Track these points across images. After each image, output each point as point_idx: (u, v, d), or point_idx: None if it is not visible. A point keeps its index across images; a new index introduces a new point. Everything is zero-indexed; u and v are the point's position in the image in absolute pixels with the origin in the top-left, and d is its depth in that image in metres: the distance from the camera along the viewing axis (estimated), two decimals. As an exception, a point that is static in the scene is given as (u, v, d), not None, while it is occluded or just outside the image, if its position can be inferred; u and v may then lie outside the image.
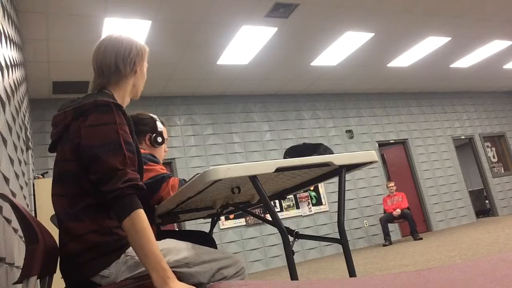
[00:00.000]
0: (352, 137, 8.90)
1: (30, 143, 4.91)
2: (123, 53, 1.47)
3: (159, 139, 2.14)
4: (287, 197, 2.36)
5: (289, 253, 1.44)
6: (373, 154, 1.69)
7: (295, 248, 7.45)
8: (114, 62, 1.46)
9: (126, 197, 1.20)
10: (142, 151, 1.70)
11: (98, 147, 1.25)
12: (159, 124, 2.18)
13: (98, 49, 1.49)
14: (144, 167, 1.80)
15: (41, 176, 4.95)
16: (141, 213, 1.21)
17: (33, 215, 3.89)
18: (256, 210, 6.28)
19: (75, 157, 1.31)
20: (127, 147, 1.28)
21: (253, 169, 1.43)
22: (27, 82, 5.73)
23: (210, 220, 6.22)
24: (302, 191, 7.84)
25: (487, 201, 10.88)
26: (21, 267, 1.25)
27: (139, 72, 1.54)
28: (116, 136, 1.27)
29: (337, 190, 1.65)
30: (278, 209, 7.69)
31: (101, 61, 1.47)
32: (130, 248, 1.30)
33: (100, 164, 1.24)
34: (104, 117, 1.29)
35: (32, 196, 4.56)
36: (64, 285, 1.33)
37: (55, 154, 1.42)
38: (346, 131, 8.91)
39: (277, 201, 7.31)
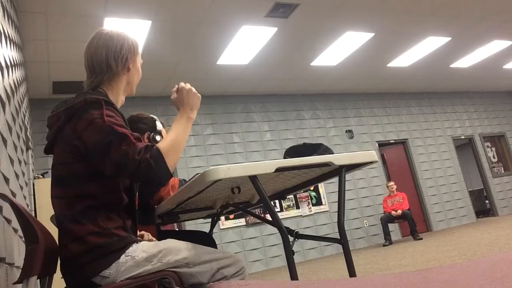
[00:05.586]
0: (352, 137, 8.90)
1: (30, 143, 4.91)
2: (114, 50, 1.43)
3: (158, 138, 2.15)
4: (287, 197, 2.36)
5: (289, 253, 1.44)
6: (373, 154, 1.69)
7: (295, 248, 7.44)
8: (105, 59, 1.42)
9: (150, 161, 1.22)
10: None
11: (103, 141, 1.25)
12: (158, 123, 2.20)
13: (88, 46, 1.46)
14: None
15: (41, 176, 4.95)
16: (164, 146, 1.27)
17: (33, 215, 3.89)
18: (256, 210, 6.27)
19: (74, 159, 1.31)
20: (123, 129, 1.27)
21: (253, 169, 1.43)
22: (27, 82, 5.73)
23: (210, 220, 6.21)
24: (302, 191, 7.84)
25: (487, 201, 10.88)
26: (21, 267, 1.25)
27: (133, 68, 1.49)
28: (109, 125, 1.26)
29: (337, 190, 1.64)
30: (278, 209, 7.69)
31: (92, 58, 1.43)
32: (130, 248, 1.30)
33: (111, 154, 1.24)
34: (96, 112, 1.28)
35: (32, 196, 4.56)
36: (64, 285, 1.33)
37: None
38: (346, 131, 8.91)
39: (277, 201, 7.30)
